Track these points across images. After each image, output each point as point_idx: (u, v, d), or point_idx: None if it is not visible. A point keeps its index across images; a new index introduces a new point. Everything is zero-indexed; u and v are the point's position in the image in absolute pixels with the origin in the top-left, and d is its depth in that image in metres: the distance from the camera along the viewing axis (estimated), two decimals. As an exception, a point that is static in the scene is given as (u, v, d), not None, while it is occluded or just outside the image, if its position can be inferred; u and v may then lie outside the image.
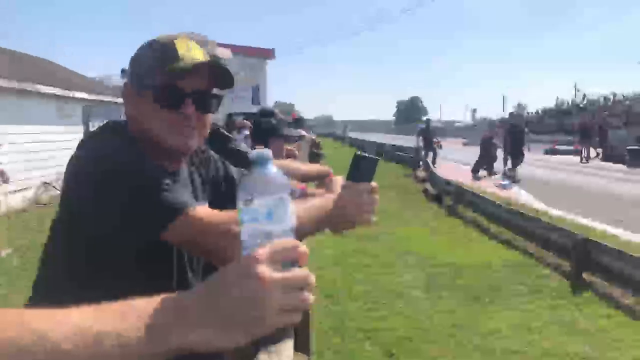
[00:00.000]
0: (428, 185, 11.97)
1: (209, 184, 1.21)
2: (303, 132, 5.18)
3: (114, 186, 0.92)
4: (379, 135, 54.38)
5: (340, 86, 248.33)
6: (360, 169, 1.08)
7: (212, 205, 1.05)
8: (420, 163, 15.56)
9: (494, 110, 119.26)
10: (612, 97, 39.31)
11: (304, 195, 1.51)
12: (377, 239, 6.61)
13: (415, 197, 10.96)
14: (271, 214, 0.58)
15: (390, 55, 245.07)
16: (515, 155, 14.01)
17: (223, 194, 1.20)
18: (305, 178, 1.96)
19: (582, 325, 3.98)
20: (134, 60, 1.06)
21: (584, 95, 44.73)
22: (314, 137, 8.52)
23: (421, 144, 16.91)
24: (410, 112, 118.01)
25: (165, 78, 0.99)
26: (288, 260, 0.55)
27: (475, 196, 8.66)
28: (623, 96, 38.02)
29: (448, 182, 10.22)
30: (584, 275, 4.91)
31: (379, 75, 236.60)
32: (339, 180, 1.18)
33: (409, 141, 32.14)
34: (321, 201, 1.09)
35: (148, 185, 0.92)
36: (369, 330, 3.94)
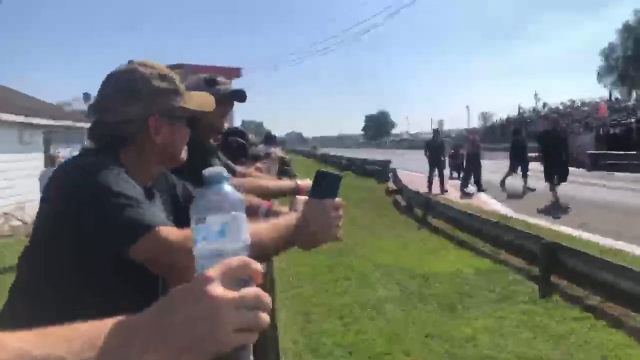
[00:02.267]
0: (398, 197, 12.12)
1: (171, 203, 1.22)
2: (273, 149, 5.18)
3: (90, 203, 0.95)
4: (350, 150, 54.93)
5: (310, 103, 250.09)
6: (324, 186, 1.08)
7: (176, 224, 1.05)
8: (390, 175, 15.74)
9: (460, 121, 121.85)
10: (569, 103, 40.84)
11: (269, 212, 1.50)
12: (351, 252, 6.62)
13: (387, 209, 11.06)
14: (224, 232, 0.58)
15: (358, 71, 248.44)
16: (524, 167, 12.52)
17: (183, 214, 1.20)
18: (273, 194, 1.96)
19: (552, 328, 4.06)
20: (150, 93, 1.09)
21: (545, 104, 46.51)
22: (282, 155, 8.55)
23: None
24: (378, 126, 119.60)
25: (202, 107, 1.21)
26: (242, 278, 0.54)
27: (445, 206, 8.80)
28: (581, 102, 39.57)
29: (418, 193, 10.36)
30: (552, 279, 5.02)
31: (348, 91, 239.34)
32: (302, 198, 1.18)
33: (379, 154, 32.60)
34: (286, 219, 1.09)
35: (118, 204, 0.95)
36: (347, 345, 3.91)
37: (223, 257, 0.55)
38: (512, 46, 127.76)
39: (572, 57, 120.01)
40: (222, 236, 0.58)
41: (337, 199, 1.09)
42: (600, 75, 58.87)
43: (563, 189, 10.40)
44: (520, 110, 48.88)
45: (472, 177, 13.53)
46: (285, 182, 2.04)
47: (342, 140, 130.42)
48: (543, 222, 8.38)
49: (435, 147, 13.60)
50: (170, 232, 0.95)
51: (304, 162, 32.10)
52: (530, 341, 3.84)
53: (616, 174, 16.11)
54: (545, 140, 10.51)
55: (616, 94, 47.02)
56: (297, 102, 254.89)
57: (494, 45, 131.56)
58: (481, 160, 13.75)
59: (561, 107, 40.85)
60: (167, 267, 0.97)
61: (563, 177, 10.27)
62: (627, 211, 9.04)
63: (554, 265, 4.99)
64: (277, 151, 5.82)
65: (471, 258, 6.46)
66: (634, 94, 42.95)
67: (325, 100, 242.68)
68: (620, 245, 6.49)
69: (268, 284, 3.07)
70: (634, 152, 19.19)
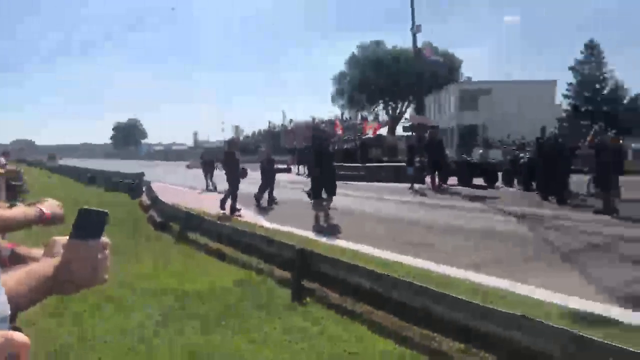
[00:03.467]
0: (153, 213, 11.55)
1: None
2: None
3: None
4: (97, 162, 50.10)
5: (46, 110, 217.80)
6: (87, 225, 0.96)
7: None
8: (144, 189, 14.89)
9: (214, 133, 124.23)
10: (312, 120, 45.93)
11: (14, 256, 1.22)
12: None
13: (142, 226, 10.44)
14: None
15: (104, 79, 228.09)
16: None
17: None
18: (15, 227, 1.57)
19: (310, 330, 4.42)
20: None
21: (291, 120, 51.19)
22: (12, 168, 7.24)
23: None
24: (129, 135, 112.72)
25: None
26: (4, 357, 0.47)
27: (204, 220, 8.78)
28: (322, 121, 44.95)
29: (174, 208, 10.08)
30: (305, 283, 5.47)
31: (91, 99, 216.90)
32: (61, 241, 1.01)
33: (131, 166, 30.64)
34: (42, 266, 0.95)
35: None
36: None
37: None
38: (264, 67, 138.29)
39: (316, 81, 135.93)
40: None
41: (103, 239, 0.97)
42: (334, 98, 67.86)
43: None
44: (270, 125, 52.73)
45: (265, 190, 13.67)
46: (27, 210, 1.65)
47: (89, 150, 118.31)
48: (298, 231, 9.13)
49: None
50: None
51: (37, 175, 27.98)
52: (292, 345, 4.09)
53: (350, 183, 18.74)
54: (313, 156, 10.40)
55: (347, 114, 54.80)
56: (29, 109, 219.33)
57: (249, 64, 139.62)
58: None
59: (305, 124, 45.62)
60: None
61: (332, 192, 10.13)
62: (364, 217, 10.59)
63: (306, 271, 5.45)
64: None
65: (232, 271, 6.59)
66: (359, 115, 50.81)
67: (66, 108, 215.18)
68: (366, 249, 7.51)
69: None
70: (359, 165, 22.75)
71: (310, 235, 8.61)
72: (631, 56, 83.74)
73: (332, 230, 8.68)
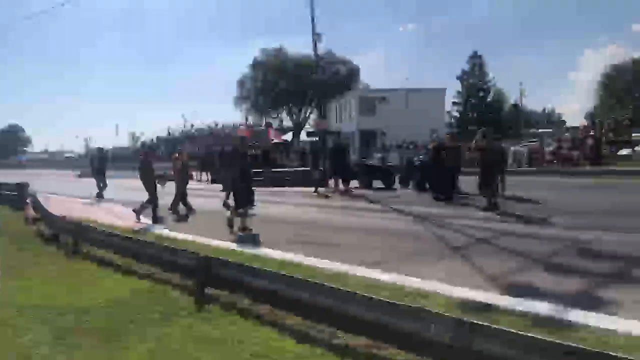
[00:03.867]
0: (42, 226, 10.68)
1: None
2: None
3: None
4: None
5: None
6: None
7: None
8: (28, 201, 13.67)
9: (109, 140, 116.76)
10: (215, 126, 45.06)
11: None
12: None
13: (28, 241, 9.61)
14: None
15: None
16: None
17: None
18: None
19: (215, 335, 4.38)
20: None
21: (192, 125, 49.84)
22: None
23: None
24: (9, 142, 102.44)
25: None
26: None
27: (97, 231, 8.29)
28: (223, 125, 44.23)
29: (65, 220, 9.40)
30: (209, 290, 5.40)
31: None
32: None
33: (11, 175, 27.87)
34: None
35: None
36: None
37: None
38: (161, 73, 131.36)
39: (218, 85, 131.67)
40: None
41: None
42: (237, 103, 67.07)
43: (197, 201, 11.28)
44: (170, 132, 50.88)
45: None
46: None
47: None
48: (201, 238, 8.93)
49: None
50: None
51: None
52: (198, 352, 4.03)
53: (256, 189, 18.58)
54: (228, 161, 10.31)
55: (250, 119, 54.46)
56: None
57: (148, 68, 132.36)
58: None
59: (207, 129, 44.63)
60: None
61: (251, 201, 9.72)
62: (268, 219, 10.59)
63: (209, 277, 5.38)
64: None
65: (130, 282, 6.31)
66: (264, 120, 50.79)
67: None
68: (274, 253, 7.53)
69: None
70: (264, 170, 22.74)
71: (224, 244, 8.43)
72: (510, 65, 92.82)
73: (247, 238, 8.60)
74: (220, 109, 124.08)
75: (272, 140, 32.01)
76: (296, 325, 4.44)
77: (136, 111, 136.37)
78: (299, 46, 76.34)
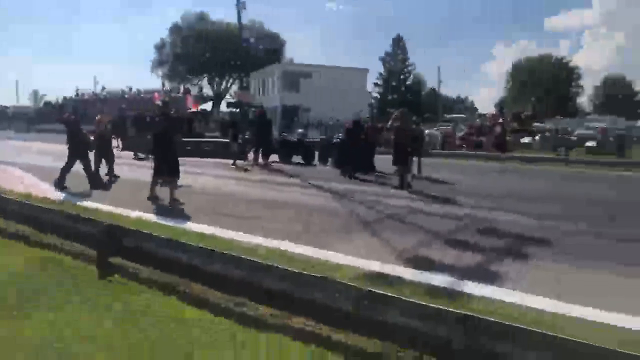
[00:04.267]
0: None
1: None
2: None
3: None
4: None
5: None
6: None
7: None
8: None
9: (9, 99, 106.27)
10: (129, 90, 42.73)
11: None
12: None
13: None
14: None
15: None
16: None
17: None
18: None
19: (119, 307, 4.21)
20: None
21: (103, 87, 46.89)
22: None
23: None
24: None
25: None
26: None
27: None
28: (138, 90, 41.99)
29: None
30: (112, 260, 5.17)
31: None
32: None
33: None
34: None
35: None
36: None
37: None
38: (73, 28, 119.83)
39: (135, 48, 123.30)
40: None
41: None
42: (154, 67, 63.84)
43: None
44: (79, 93, 47.53)
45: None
46: None
47: None
48: (106, 206, 8.50)
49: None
50: None
51: None
52: (104, 323, 3.87)
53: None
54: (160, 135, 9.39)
55: (167, 86, 52.08)
56: None
57: (52, 17, 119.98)
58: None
59: (120, 93, 42.21)
60: None
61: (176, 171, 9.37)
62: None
63: (113, 246, 5.14)
64: None
65: (26, 252, 5.88)
66: (182, 87, 48.80)
67: None
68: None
69: None
70: (184, 140, 21.88)
71: (146, 215, 8.06)
72: (429, 54, 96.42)
73: (167, 210, 8.32)
74: (134, 73, 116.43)
75: (189, 108, 30.83)
76: (202, 294, 4.39)
77: (43, 71, 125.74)
78: (222, 16, 73.78)
